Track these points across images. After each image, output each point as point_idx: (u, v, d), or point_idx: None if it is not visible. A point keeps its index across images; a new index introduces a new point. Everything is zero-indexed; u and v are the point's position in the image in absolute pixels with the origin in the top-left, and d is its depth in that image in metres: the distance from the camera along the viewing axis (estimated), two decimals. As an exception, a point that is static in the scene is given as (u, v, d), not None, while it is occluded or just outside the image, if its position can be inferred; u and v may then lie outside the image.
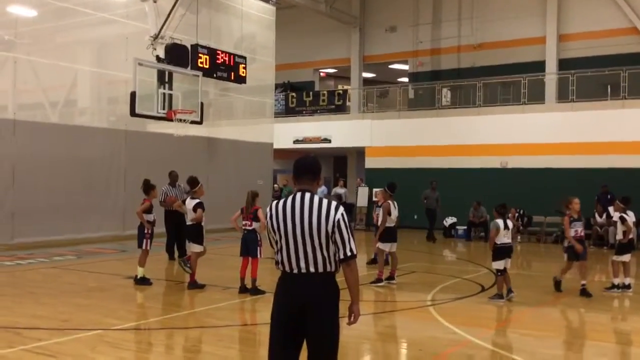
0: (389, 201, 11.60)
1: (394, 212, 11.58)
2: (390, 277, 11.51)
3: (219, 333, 7.91)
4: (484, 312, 9.37)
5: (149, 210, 10.91)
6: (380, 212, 11.90)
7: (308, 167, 4.26)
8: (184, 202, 11.22)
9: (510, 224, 10.08)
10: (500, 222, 9.92)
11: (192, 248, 10.54)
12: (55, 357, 6.45)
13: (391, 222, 11.58)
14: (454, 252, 18.54)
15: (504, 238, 9.92)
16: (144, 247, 10.85)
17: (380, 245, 11.58)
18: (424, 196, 20.48)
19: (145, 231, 10.83)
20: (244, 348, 7.51)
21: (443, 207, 21.01)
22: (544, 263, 16.07)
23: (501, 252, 9.93)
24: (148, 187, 11.05)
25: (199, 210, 10.37)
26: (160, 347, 7.46)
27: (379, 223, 11.78)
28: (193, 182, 10.78)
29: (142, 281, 10.82)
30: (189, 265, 10.51)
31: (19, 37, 17.11)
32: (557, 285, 10.87)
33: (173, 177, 14.11)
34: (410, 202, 20.46)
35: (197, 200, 10.49)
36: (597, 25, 22.89)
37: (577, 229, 10.46)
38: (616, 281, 10.93)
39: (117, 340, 7.24)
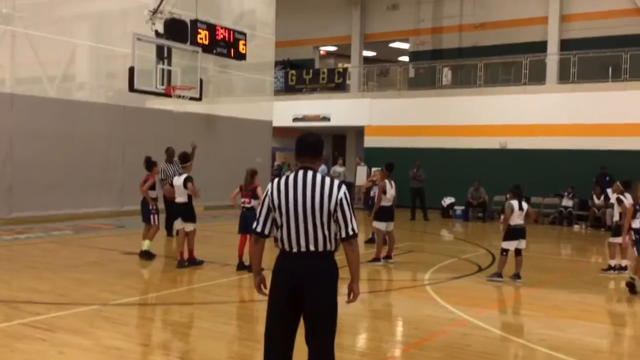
0: (386, 180, 11.63)
1: (390, 191, 11.60)
2: (388, 256, 11.56)
3: (216, 309, 7.95)
4: (480, 292, 9.41)
5: (152, 187, 10.98)
6: (376, 191, 11.96)
7: (311, 144, 4.22)
8: (171, 184, 11.05)
9: (525, 205, 10.05)
10: (515, 203, 9.93)
11: (186, 227, 10.48)
12: (53, 332, 6.48)
13: (387, 201, 11.59)
14: (452, 232, 18.58)
15: (518, 219, 9.93)
16: (152, 222, 10.97)
17: (375, 224, 11.62)
18: (411, 176, 20.44)
19: (151, 207, 10.93)
20: (242, 324, 7.55)
21: (442, 187, 21.03)
22: (540, 244, 16.10)
23: (514, 233, 9.96)
24: (150, 164, 11.11)
25: (190, 184, 10.25)
26: (157, 322, 7.50)
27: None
28: (185, 157, 10.73)
29: (147, 255, 10.91)
30: (186, 264, 10.45)
31: (17, 10, 16.90)
32: (631, 287, 9.35)
33: (170, 154, 14.00)
34: (408, 182, 20.46)
35: (186, 175, 10.43)
36: (600, 6, 22.66)
37: None
38: (612, 263, 10.95)
39: (115, 315, 7.27)
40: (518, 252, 10.08)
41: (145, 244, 10.96)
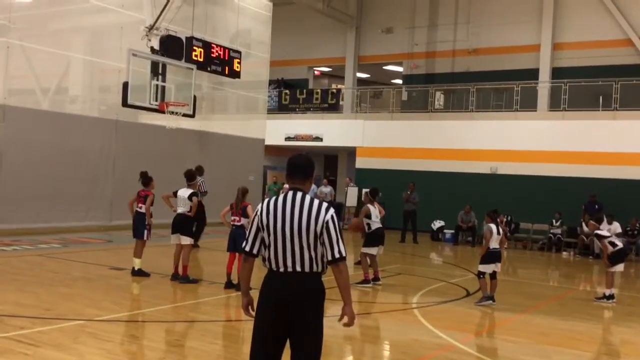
0: (368, 205, 11.56)
1: (374, 212, 11.53)
2: (376, 278, 11.52)
3: (203, 328, 7.90)
4: (468, 317, 9.40)
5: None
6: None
7: (301, 166, 4.25)
8: (175, 194, 11.13)
9: (500, 230, 10.13)
10: (493, 226, 10.00)
11: (182, 240, 10.54)
12: (37, 347, 6.41)
13: (375, 224, 11.48)
14: (441, 255, 18.58)
15: (495, 243, 9.99)
16: (145, 238, 10.85)
17: (366, 250, 11.45)
18: (405, 198, 20.44)
19: (147, 223, 10.81)
20: (228, 344, 7.50)
21: (432, 210, 21.08)
22: (529, 270, 16.15)
23: (492, 256, 10.00)
24: (147, 179, 11.01)
25: (195, 199, 10.57)
26: (143, 340, 7.43)
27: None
28: (191, 176, 11.13)
29: (140, 273, 10.81)
30: (178, 278, 10.47)
31: (13, 22, 16.93)
32: None
33: (201, 170, 14.80)
34: (398, 204, 20.50)
35: (193, 190, 10.73)
36: (592, 36, 23.00)
37: None
38: (607, 292, 10.96)
39: (100, 332, 7.20)
40: (493, 275, 10.13)
41: (137, 262, 10.88)
